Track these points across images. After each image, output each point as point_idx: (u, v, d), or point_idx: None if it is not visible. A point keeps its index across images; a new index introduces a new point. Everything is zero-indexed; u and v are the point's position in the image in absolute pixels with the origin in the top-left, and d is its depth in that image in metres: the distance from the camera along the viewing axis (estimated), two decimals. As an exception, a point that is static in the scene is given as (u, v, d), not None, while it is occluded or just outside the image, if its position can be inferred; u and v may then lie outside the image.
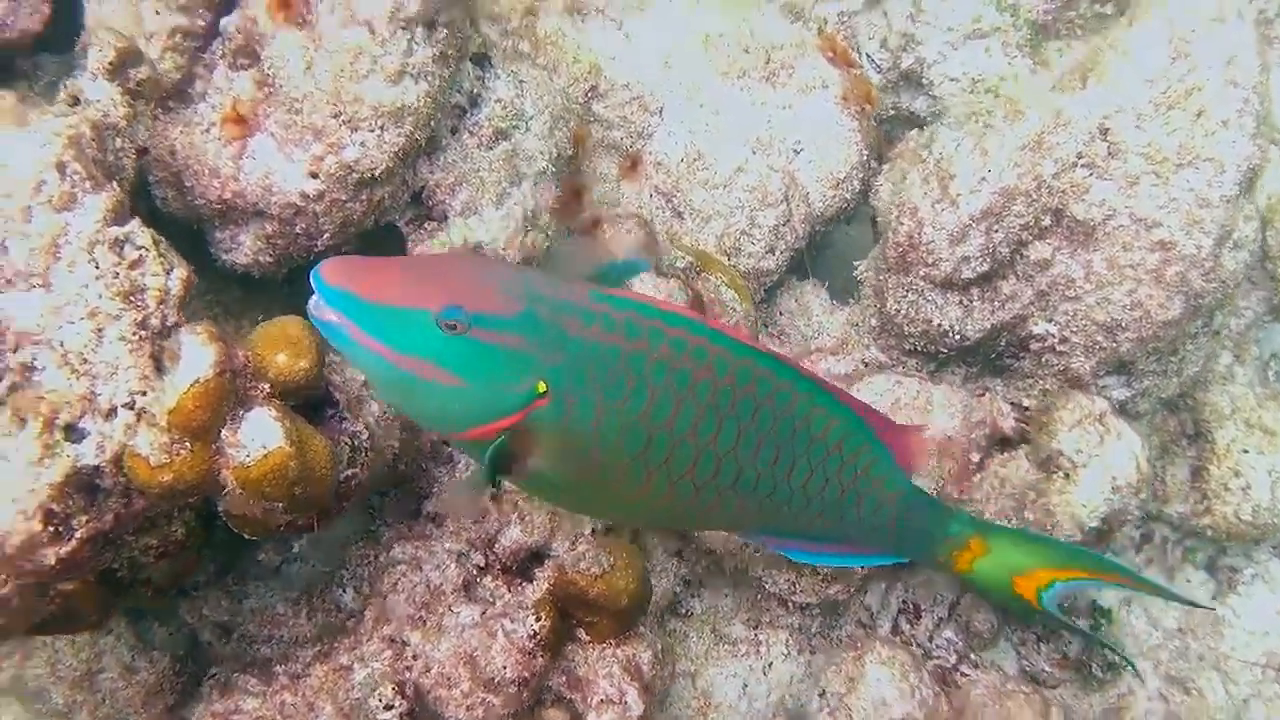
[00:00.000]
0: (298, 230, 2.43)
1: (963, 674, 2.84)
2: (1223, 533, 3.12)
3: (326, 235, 2.45)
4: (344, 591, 2.61)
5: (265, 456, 2.02)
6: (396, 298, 1.69)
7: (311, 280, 1.69)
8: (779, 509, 2.08)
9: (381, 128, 2.36)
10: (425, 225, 2.60)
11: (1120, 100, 2.64)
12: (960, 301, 2.74)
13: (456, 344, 1.69)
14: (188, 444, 1.99)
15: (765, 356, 1.93)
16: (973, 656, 2.88)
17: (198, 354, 2.00)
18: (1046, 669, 2.92)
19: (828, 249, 3.21)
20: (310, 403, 2.23)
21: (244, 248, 2.47)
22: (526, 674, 2.42)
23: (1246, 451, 3.08)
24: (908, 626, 2.92)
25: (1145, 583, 2.70)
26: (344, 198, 2.41)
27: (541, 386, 1.73)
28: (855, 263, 2.99)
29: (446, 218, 2.58)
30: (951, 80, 3.22)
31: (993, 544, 2.27)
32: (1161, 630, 3.11)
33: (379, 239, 2.61)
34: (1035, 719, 2.67)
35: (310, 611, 2.60)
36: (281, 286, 2.61)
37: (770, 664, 2.84)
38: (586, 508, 2.28)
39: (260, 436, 2.03)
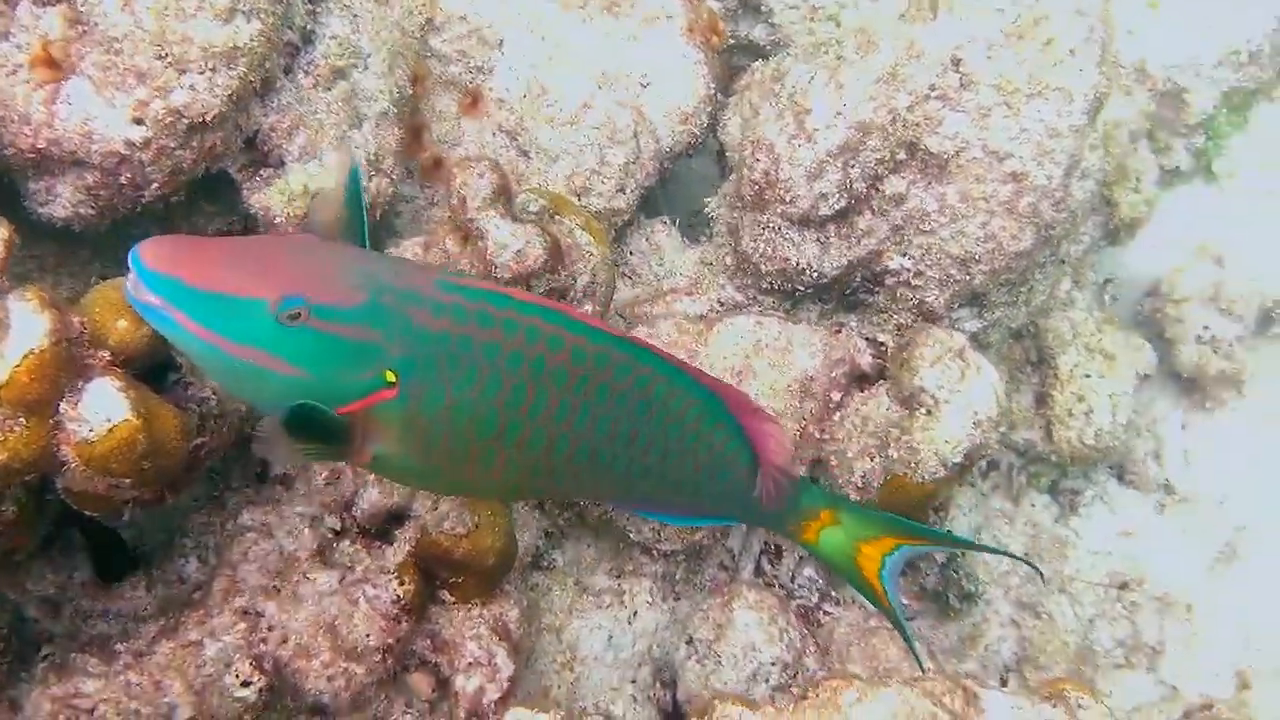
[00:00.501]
0: (123, 181, 2.24)
1: (825, 612, 2.83)
2: (1066, 457, 3.18)
3: (154, 185, 2.27)
4: (186, 562, 2.47)
5: (110, 431, 1.88)
6: (228, 285, 1.58)
7: (130, 262, 1.56)
8: (636, 484, 2.05)
9: (212, 69, 2.19)
10: (261, 172, 2.44)
11: (971, 30, 2.60)
12: (817, 239, 2.69)
13: (296, 334, 1.61)
14: (22, 419, 1.85)
15: (624, 342, 1.89)
16: (834, 594, 2.88)
17: (29, 322, 1.84)
18: (904, 601, 2.93)
19: (670, 183, 3.14)
20: (150, 369, 2.08)
21: (62, 200, 2.27)
22: (390, 640, 2.33)
23: (1088, 376, 3.13)
24: (769, 567, 2.89)
25: (985, 549, 2.87)
26: (173, 145, 2.23)
27: (390, 376, 1.67)
28: (705, 200, 2.92)
29: (284, 163, 2.43)
30: (790, 8, 3.17)
31: (842, 517, 2.24)
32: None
33: (211, 187, 2.45)
34: (899, 654, 2.68)
35: (149, 583, 2.46)
36: (104, 240, 2.43)
37: (635, 613, 2.79)
38: (434, 487, 2.24)
39: (104, 409, 1.89)
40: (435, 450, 1.81)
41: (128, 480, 1.94)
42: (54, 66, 2.19)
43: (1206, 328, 3.43)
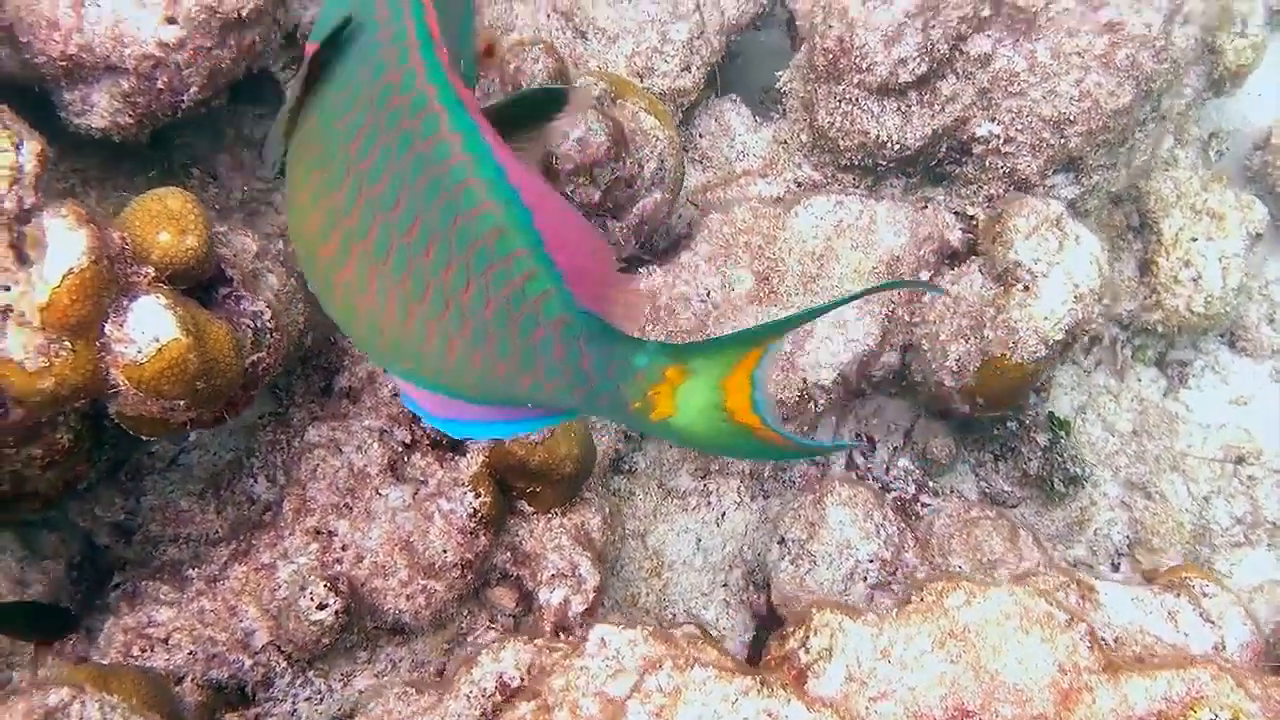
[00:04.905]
0: (159, 85, 2.13)
1: (923, 504, 2.70)
2: (1174, 326, 2.99)
3: (193, 89, 2.15)
4: (255, 481, 2.39)
5: (159, 351, 1.79)
6: None
7: None
8: (435, 324, 1.36)
9: (246, -41, 2.06)
10: (304, 69, 2.31)
11: None
12: (898, 108, 2.51)
13: None
14: (67, 343, 1.75)
15: (446, 91, 1.24)
16: (931, 484, 2.74)
17: (67, 240, 1.74)
18: (1006, 489, 2.79)
19: (737, 57, 2.95)
20: (200, 283, 1.98)
21: (99, 109, 2.15)
22: (469, 555, 2.24)
23: (1195, 239, 2.93)
24: (862, 460, 2.76)
25: (823, 308, 2.13)
26: (209, 44, 2.11)
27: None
28: (777, 73, 2.74)
29: (328, 60, 2.30)
30: None
31: (690, 364, 1.41)
32: (1118, 435, 2.99)
33: (255, 89, 2.32)
34: (1004, 544, 2.53)
35: (219, 505, 2.39)
36: (149, 151, 2.32)
37: (723, 514, 2.67)
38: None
39: (150, 328, 1.79)
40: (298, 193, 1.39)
41: (182, 402, 1.84)
42: (78, -34, 2.07)
43: (1324, 181, 3.20)
